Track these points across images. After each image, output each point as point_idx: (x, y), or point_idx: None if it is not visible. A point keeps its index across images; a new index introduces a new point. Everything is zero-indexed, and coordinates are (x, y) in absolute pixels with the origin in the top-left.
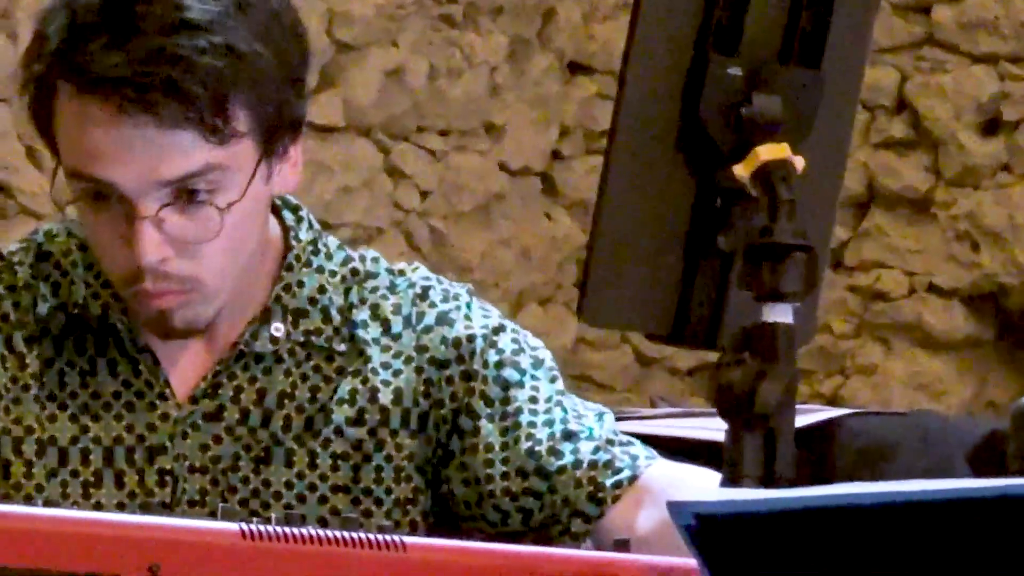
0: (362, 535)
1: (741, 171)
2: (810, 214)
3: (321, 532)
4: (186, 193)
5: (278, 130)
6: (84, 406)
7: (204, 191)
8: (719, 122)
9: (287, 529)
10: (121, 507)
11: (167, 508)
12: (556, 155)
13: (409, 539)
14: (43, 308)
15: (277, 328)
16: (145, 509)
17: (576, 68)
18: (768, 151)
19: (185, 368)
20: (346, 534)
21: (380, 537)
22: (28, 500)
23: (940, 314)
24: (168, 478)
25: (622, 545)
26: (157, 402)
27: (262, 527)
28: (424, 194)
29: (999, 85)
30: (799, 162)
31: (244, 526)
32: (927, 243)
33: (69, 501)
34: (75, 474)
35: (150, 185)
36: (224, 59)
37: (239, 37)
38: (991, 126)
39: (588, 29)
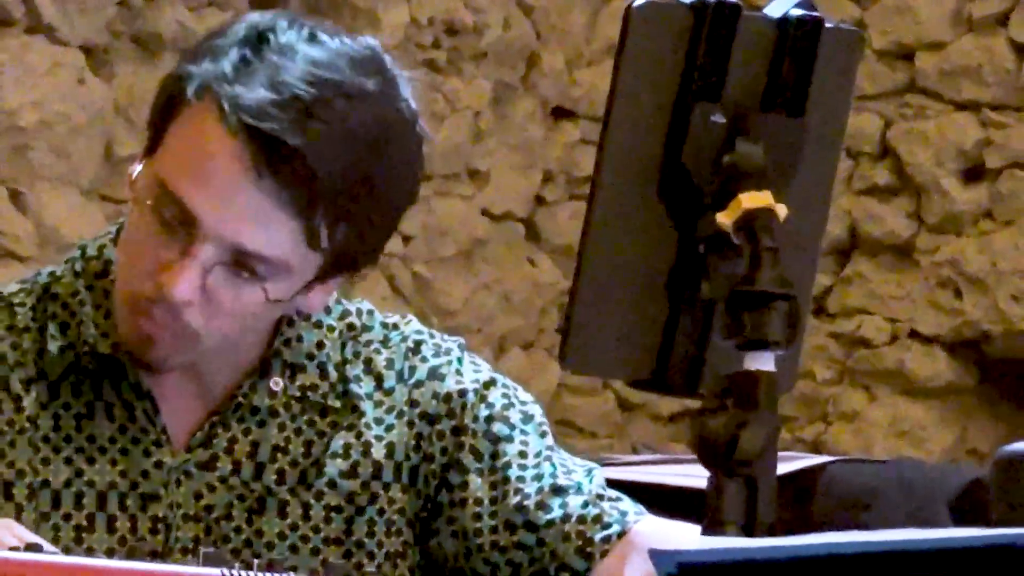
0: None
1: (723, 219)
2: (793, 261)
3: None
4: (247, 268)
5: (348, 265)
6: (79, 449)
7: (262, 275)
8: (702, 169)
9: (269, 575)
10: (111, 552)
11: (158, 556)
12: (539, 200)
13: None
14: (53, 347)
15: (276, 382)
16: (131, 555)
17: (560, 113)
18: (750, 199)
19: (182, 415)
20: None
21: None
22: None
23: (922, 361)
24: (160, 526)
25: None
26: (152, 449)
27: (244, 572)
28: (407, 239)
29: (982, 132)
30: (781, 210)
31: (226, 571)
32: (909, 290)
33: (60, 545)
34: (67, 518)
35: (224, 240)
36: (358, 183)
37: (377, 167)
38: (974, 173)
39: (572, 75)
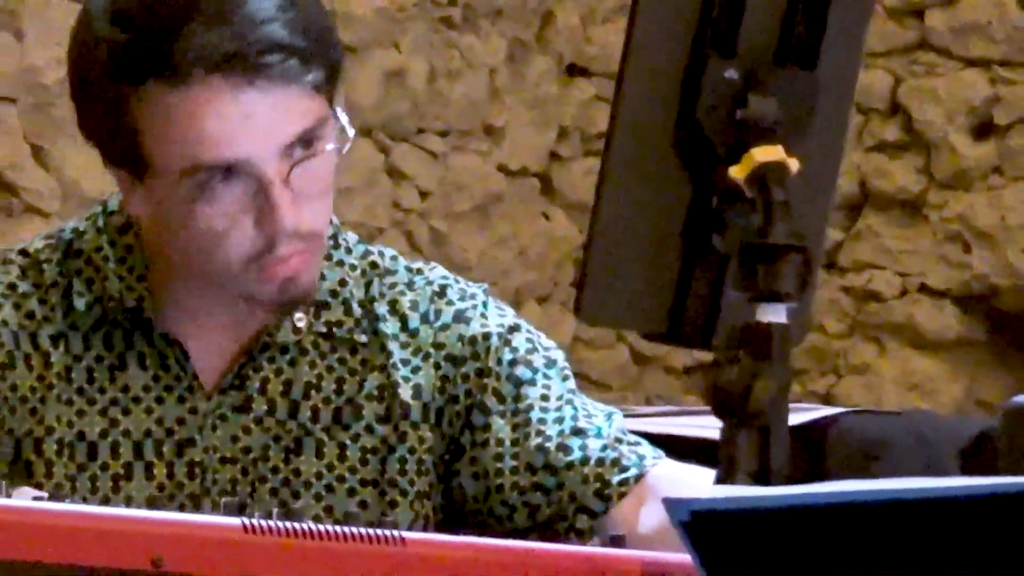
0: (361, 530)
1: (736, 173)
2: (805, 215)
3: (321, 527)
4: (303, 150)
5: (335, 85)
6: (113, 400)
7: (315, 144)
8: (715, 124)
9: (288, 524)
10: (151, 500)
11: (196, 499)
12: (554, 156)
13: (408, 534)
14: (80, 303)
15: (299, 318)
16: (171, 500)
17: (574, 70)
18: (763, 153)
19: (213, 360)
20: (345, 529)
21: (379, 532)
22: (49, 499)
23: (932, 314)
24: (198, 470)
25: (617, 541)
26: (186, 395)
27: (263, 522)
28: (424, 194)
29: (991, 89)
30: (794, 164)
31: (246, 520)
32: (919, 244)
33: (99, 495)
34: (104, 468)
35: (277, 148)
36: (303, 17)
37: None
38: (983, 129)
39: (586, 32)
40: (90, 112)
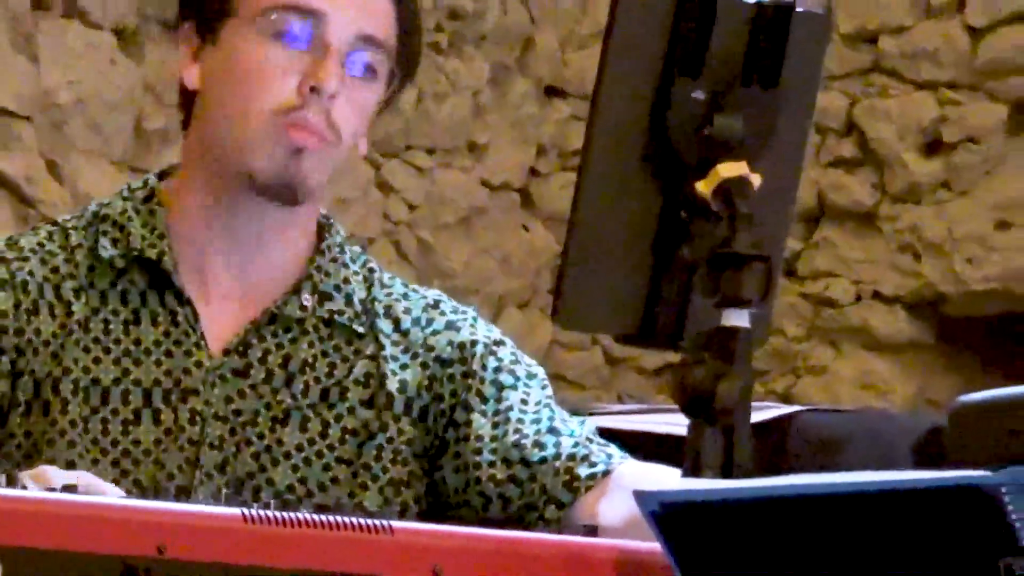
0: (353, 520)
1: (703, 187)
2: (766, 227)
3: (316, 517)
4: (364, 65)
5: (406, 70)
6: (127, 351)
7: (374, 72)
8: (683, 141)
9: (285, 514)
10: (157, 443)
11: (194, 445)
12: (533, 172)
13: (397, 523)
14: (105, 253)
15: (306, 299)
16: (174, 441)
17: (552, 92)
18: (728, 169)
19: (220, 325)
20: (338, 519)
21: (369, 521)
22: (62, 435)
23: (884, 319)
24: (198, 417)
25: (590, 531)
26: (193, 350)
27: (262, 512)
28: (412, 207)
29: (939, 110)
30: (756, 179)
31: (246, 511)
32: (872, 254)
33: (109, 438)
34: (115, 412)
35: (351, 32)
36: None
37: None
38: (932, 147)
39: (563, 56)
40: None
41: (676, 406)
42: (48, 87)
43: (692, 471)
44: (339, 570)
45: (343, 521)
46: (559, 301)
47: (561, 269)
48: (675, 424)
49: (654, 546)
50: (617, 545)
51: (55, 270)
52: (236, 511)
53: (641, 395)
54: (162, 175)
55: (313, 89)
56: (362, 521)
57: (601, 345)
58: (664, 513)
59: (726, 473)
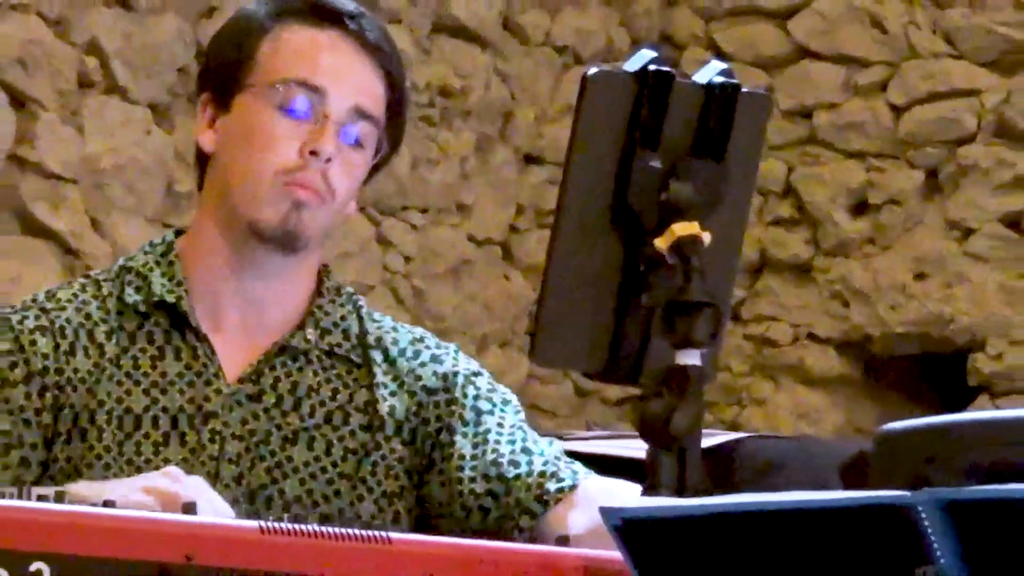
0: (355, 531)
1: (660, 243)
2: (715, 278)
3: (324, 528)
4: (356, 136)
5: (392, 145)
6: (154, 383)
7: (364, 142)
8: (643, 204)
9: (297, 526)
10: (184, 461)
11: (215, 460)
12: (513, 228)
13: (394, 534)
14: (130, 300)
15: (310, 333)
16: (197, 457)
17: (529, 159)
18: (682, 228)
19: (234, 356)
20: (343, 530)
21: (370, 533)
22: (99, 459)
23: (817, 358)
24: (217, 437)
25: (563, 541)
26: (212, 380)
27: (277, 524)
28: (407, 259)
29: (865, 176)
30: (707, 236)
31: (263, 524)
32: (807, 301)
33: (142, 458)
34: (147, 436)
35: (346, 107)
36: (399, 68)
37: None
38: (859, 208)
39: (539, 129)
40: (217, 61)
41: (637, 433)
42: (91, 154)
43: (650, 490)
44: (344, 575)
45: (347, 533)
46: (535, 341)
47: (537, 314)
48: (636, 448)
49: (616, 554)
50: (584, 554)
51: (88, 316)
52: (254, 524)
53: (606, 423)
54: (178, 233)
55: (312, 153)
56: (364, 532)
57: (572, 379)
58: (626, 527)
59: (680, 492)
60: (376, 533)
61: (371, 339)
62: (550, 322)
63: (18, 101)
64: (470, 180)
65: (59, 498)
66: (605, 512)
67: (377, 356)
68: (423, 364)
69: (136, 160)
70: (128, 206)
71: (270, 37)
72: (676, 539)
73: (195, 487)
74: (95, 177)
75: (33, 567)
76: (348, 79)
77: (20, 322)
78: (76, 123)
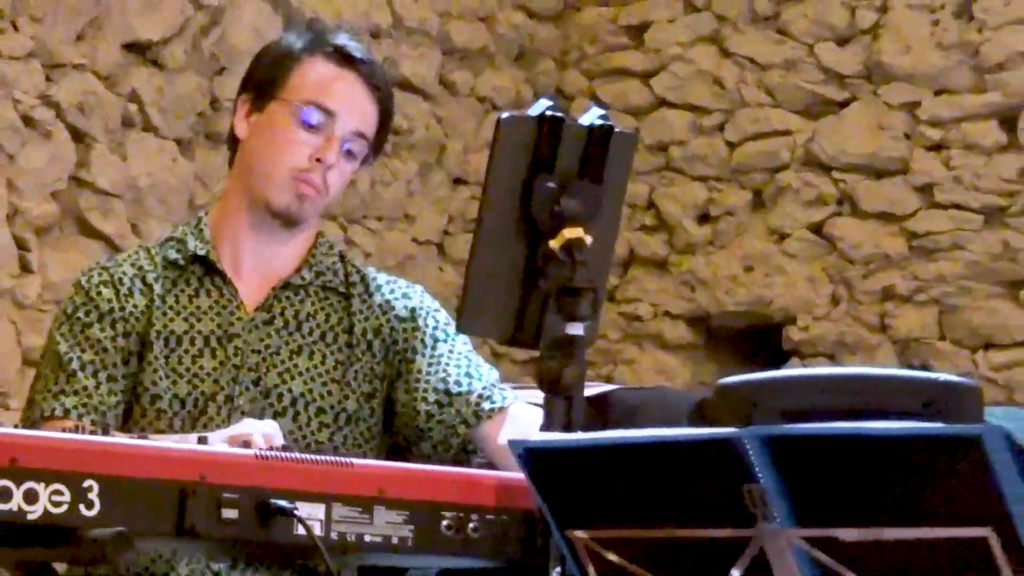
0: (327, 457)
1: (554, 243)
2: (595, 269)
3: (303, 456)
4: (354, 151)
5: (375, 152)
6: (192, 313)
7: (357, 155)
8: (542, 214)
9: (284, 454)
10: (215, 368)
11: (237, 368)
12: (446, 233)
13: (355, 460)
14: (172, 256)
15: (307, 273)
16: (223, 367)
17: (458, 181)
18: (570, 232)
19: (251, 294)
20: (317, 456)
21: (337, 458)
22: (153, 370)
23: (672, 330)
24: (239, 352)
25: (486, 466)
26: (235, 310)
27: (270, 452)
28: (367, 255)
29: (707, 194)
30: (588, 239)
31: (258, 452)
32: (664, 287)
33: (183, 366)
34: (187, 351)
35: (350, 128)
36: (391, 100)
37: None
38: (703, 218)
39: (465, 158)
40: (260, 73)
41: (537, 385)
42: (132, 176)
43: (546, 428)
44: (319, 490)
45: (320, 459)
46: (461, 316)
47: (462, 295)
48: (536, 397)
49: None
50: (498, 475)
51: (140, 268)
52: (251, 452)
53: (514, 378)
54: (206, 211)
55: (319, 160)
56: (333, 458)
57: (489, 344)
58: (528, 454)
59: (567, 428)
60: (342, 459)
61: (355, 276)
62: (473, 302)
63: (78, 136)
64: (414, 196)
65: (201, 441)
66: (512, 443)
67: (359, 290)
68: (396, 298)
69: (166, 181)
70: (160, 215)
71: (302, 65)
72: (566, 464)
73: (274, 429)
74: (135, 193)
75: (85, 484)
76: (354, 108)
77: (88, 280)
78: (121, 153)
